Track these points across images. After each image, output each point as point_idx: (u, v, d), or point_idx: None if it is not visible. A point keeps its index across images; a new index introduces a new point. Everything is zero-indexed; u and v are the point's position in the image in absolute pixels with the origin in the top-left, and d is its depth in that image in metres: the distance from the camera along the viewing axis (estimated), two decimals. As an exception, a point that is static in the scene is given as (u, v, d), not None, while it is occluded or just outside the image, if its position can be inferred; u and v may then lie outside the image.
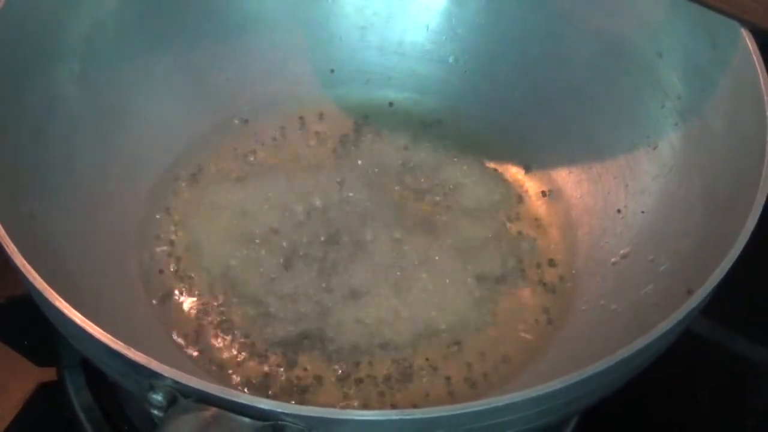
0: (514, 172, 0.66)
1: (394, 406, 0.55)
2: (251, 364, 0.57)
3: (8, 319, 0.59)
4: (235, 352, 0.57)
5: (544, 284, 0.61)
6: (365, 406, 0.55)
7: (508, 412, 0.41)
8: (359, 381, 0.56)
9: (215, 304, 0.59)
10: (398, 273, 0.60)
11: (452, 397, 0.56)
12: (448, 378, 0.57)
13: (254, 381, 0.56)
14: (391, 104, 0.69)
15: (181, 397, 0.41)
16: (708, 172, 0.57)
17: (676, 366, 0.57)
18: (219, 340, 0.58)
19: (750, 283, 0.58)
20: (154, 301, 0.59)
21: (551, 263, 0.62)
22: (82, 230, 0.57)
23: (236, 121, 0.67)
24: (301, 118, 0.68)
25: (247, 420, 0.40)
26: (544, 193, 0.65)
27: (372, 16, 0.69)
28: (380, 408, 0.55)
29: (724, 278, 0.46)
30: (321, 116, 0.68)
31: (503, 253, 0.62)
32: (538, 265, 0.62)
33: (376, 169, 0.66)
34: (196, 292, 0.60)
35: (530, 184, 0.65)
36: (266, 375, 0.56)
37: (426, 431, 0.41)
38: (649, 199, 0.61)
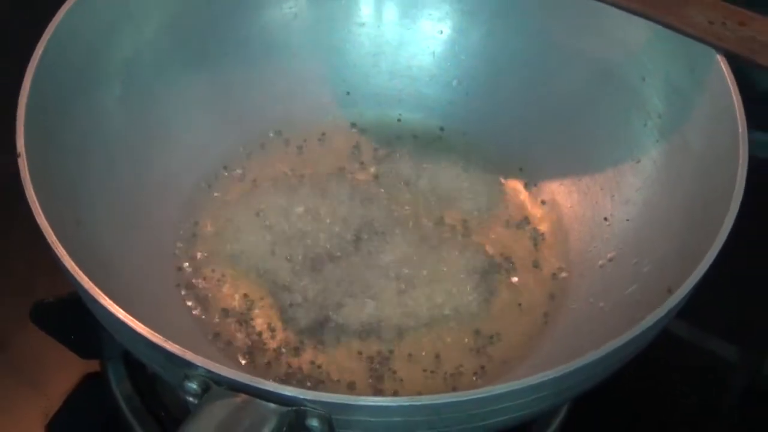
0: (512, 183, 0.67)
1: (395, 393, 0.57)
2: (277, 354, 0.59)
3: (57, 316, 0.59)
4: (263, 343, 0.59)
5: (540, 285, 0.62)
6: (376, 391, 0.57)
7: (508, 398, 0.43)
8: (369, 368, 0.59)
9: (245, 303, 0.61)
10: (402, 275, 0.62)
11: (456, 386, 0.58)
12: (450, 367, 0.59)
13: (280, 370, 0.58)
14: (399, 120, 0.71)
15: (214, 385, 0.42)
16: (687, 185, 0.58)
17: (656, 365, 0.60)
18: (248, 334, 0.59)
19: (726, 286, 0.59)
20: (189, 302, 0.61)
21: (546, 266, 0.63)
22: (123, 236, 0.59)
23: (264, 137, 0.69)
24: (321, 134, 0.70)
25: (273, 405, 0.41)
26: (539, 204, 0.66)
27: (384, 44, 0.71)
28: (385, 393, 0.57)
29: (701, 279, 0.47)
30: (338, 133, 0.70)
31: (502, 258, 0.64)
32: (534, 268, 0.63)
33: (387, 180, 0.67)
34: (228, 293, 0.61)
35: (527, 195, 0.67)
36: (290, 365, 0.58)
37: (433, 415, 0.43)
38: (633, 208, 0.62)
